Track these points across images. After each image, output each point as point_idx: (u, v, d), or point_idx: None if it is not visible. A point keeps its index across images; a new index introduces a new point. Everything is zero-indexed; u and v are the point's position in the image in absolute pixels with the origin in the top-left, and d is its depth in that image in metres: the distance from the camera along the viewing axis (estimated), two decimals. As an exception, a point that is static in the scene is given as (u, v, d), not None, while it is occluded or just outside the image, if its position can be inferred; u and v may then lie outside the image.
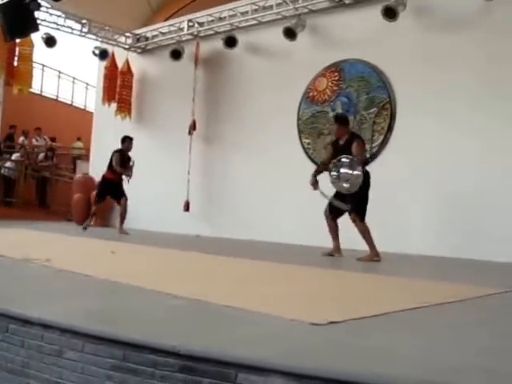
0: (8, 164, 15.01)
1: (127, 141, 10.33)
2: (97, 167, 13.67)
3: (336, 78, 9.78)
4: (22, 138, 16.54)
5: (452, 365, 2.10)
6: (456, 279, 5.21)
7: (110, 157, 10.30)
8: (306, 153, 10.06)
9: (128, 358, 2.34)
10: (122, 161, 10.14)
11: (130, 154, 10.30)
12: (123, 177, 10.24)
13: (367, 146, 9.03)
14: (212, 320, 2.88)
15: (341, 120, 7.43)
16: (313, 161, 9.90)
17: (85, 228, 10.33)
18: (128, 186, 10.27)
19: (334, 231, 7.31)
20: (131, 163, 10.13)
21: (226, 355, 2.16)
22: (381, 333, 2.71)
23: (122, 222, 10.32)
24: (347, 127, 7.36)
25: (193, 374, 2.18)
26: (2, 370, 2.79)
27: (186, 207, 11.29)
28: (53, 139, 17.51)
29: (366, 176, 6.92)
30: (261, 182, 10.48)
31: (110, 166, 10.25)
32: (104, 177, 10.45)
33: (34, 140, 16.97)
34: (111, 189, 10.33)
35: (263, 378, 2.04)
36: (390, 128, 9.06)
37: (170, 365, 2.23)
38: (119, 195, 10.30)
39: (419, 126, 8.61)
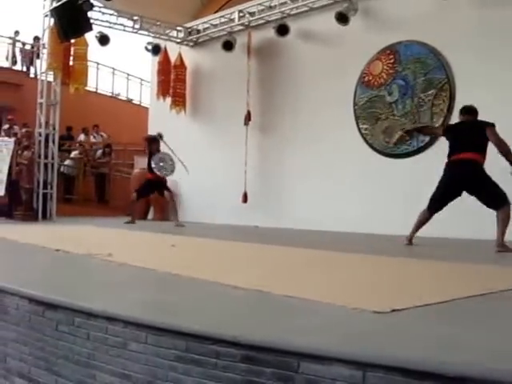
0: (67, 162, 15.37)
1: (156, 142, 10.73)
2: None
3: (391, 61, 9.59)
4: (81, 136, 16.87)
5: None
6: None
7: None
8: (364, 138, 9.93)
9: (190, 349, 2.37)
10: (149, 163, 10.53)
11: (185, 147, 10.46)
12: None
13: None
14: (273, 310, 2.88)
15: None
16: (371, 146, 9.78)
17: (128, 222, 10.60)
18: (186, 179, 10.37)
19: (420, 223, 6.81)
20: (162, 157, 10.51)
21: (287, 344, 2.15)
22: (445, 320, 2.65)
23: (175, 214, 10.63)
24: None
25: (255, 364, 2.19)
26: (69, 362, 2.87)
27: (244, 198, 11.33)
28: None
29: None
30: (318, 170, 10.41)
31: (149, 168, 10.61)
32: (145, 178, 10.90)
33: (91, 137, 17.31)
34: (153, 187, 10.72)
35: (326, 366, 2.03)
36: (450, 109, 8.82)
37: (232, 355, 2.24)
38: (162, 191, 10.67)
39: (481, 105, 8.31)
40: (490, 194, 6.25)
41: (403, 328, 2.45)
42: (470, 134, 6.51)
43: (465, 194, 6.52)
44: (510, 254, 6.04)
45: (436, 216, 6.75)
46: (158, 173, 10.38)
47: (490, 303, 3.15)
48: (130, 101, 22.21)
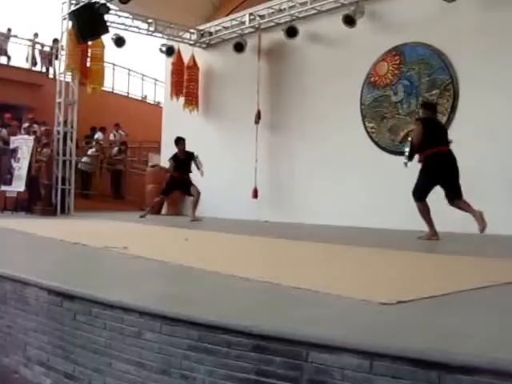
0: (84, 159, 15.76)
1: (180, 142, 10.82)
2: (168, 158, 14.26)
3: (397, 62, 9.86)
4: (98, 134, 17.23)
5: None
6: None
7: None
8: (370, 137, 10.19)
9: (203, 339, 2.42)
10: (176, 165, 10.73)
11: (199, 144, 10.76)
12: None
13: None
14: (283, 301, 2.92)
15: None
16: (377, 144, 10.05)
17: (142, 217, 10.87)
18: (199, 176, 10.63)
19: (427, 213, 7.03)
20: (195, 157, 10.63)
21: (297, 334, 2.18)
22: (451, 311, 2.69)
23: (194, 209, 10.70)
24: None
25: (265, 353, 2.23)
26: (86, 351, 2.95)
27: (255, 194, 11.59)
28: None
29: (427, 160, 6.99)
30: (326, 167, 10.66)
31: (174, 168, 10.83)
32: (170, 175, 11.07)
33: (111, 135, 17.69)
34: (177, 186, 10.90)
35: (334, 356, 2.06)
36: (454, 108, 9.07)
37: (244, 344, 2.28)
38: (187, 189, 10.80)
39: (484, 104, 8.54)
40: (457, 185, 6.89)
41: (409, 319, 2.49)
42: (442, 130, 7.28)
43: None
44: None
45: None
46: (199, 172, 10.55)
47: (493, 295, 3.19)
48: (144, 101, 22.51)
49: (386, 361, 1.96)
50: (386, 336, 2.17)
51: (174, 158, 10.82)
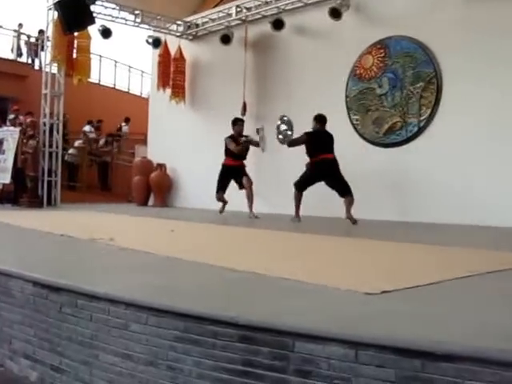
0: (71, 151, 15.72)
1: (238, 123, 10.20)
2: (154, 150, 14.29)
3: (382, 55, 9.90)
4: (87, 127, 17.14)
5: (509, 331, 2.11)
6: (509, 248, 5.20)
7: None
8: (355, 128, 10.26)
9: (190, 330, 2.43)
10: (230, 150, 10.00)
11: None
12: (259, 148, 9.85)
13: (415, 120, 9.33)
14: (269, 292, 2.95)
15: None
16: (361, 136, 10.13)
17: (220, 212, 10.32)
18: (186, 168, 10.56)
19: (298, 201, 8.87)
20: (244, 139, 10.00)
21: (283, 325, 2.21)
22: (434, 301, 2.73)
23: (250, 205, 9.84)
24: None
25: (252, 344, 2.25)
26: (72, 343, 2.94)
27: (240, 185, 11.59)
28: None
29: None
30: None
31: (227, 152, 10.10)
32: (223, 164, 10.19)
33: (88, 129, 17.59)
34: (232, 174, 10.06)
35: (320, 346, 2.09)
36: (437, 101, 9.15)
37: (230, 335, 2.30)
38: (240, 179, 10.00)
39: (467, 97, 8.64)
40: (344, 185, 8.41)
41: (393, 308, 2.52)
42: (326, 140, 8.73)
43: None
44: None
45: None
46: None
47: (476, 283, 3.27)
48: (130, 92, 22.46)
49: (371, 350, 2.00)
50: (370, 325, 2.21)
51: (232, 139, 10.02)
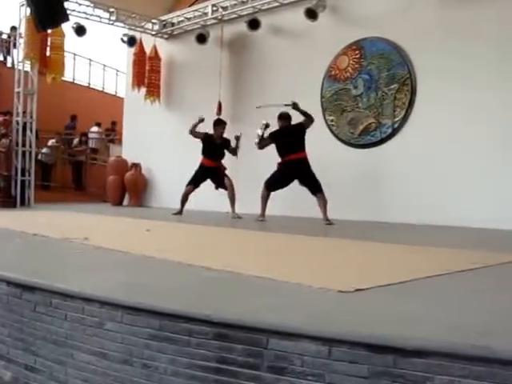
0: (44, 150, 15.57)
1: (220, 125, 10.00)
2: (129, 150, 14.21)
3: (357, 56, 9.98)
4: (95, 127, 16.99)
5: (480, 328, 2.14)
6: (481, 247, 5.30)
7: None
8: (330, 129, 10.31)
9: (164, 328, 2.44)
10: (208, 147, 9.91)
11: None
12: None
13: (389, 122, 9.40)
14: (244, 290, 2.99)
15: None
16: (336, 136, 10.19)
17: (176, 213, 10.02)
18: (161, 167, 10.47)
19: (265, 200, 8.97)
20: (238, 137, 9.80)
21: (257, 322, 2.24)
22: (407, 299, 2.78)
23: (232, 205, 9.82)
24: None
25: (226, 341, 2.28)
26: (47, 342, 2.93)
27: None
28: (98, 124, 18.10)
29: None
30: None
31: (203, 152, 10.06)
32: (200, 163, 10.14)
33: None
34: (209, 175, 9.99)
35: (294, 342, 2.13)
36: (411, 103, 9.25)
37: (205, 333, 2.33)
38: (219, 180, 9.94)
39: (440, 99, 8.75)
40: (315, 184, 8.53)
41: (366, 306, 2.56)
42: (295, 136, 8.73)
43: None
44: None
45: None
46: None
47: (448, 282, 3.32)
48: (105, 91, 22.30)
49: (344, 346, 2.03)
50: (343, 322, 2.25)
51: (207, 139, 9.94)
